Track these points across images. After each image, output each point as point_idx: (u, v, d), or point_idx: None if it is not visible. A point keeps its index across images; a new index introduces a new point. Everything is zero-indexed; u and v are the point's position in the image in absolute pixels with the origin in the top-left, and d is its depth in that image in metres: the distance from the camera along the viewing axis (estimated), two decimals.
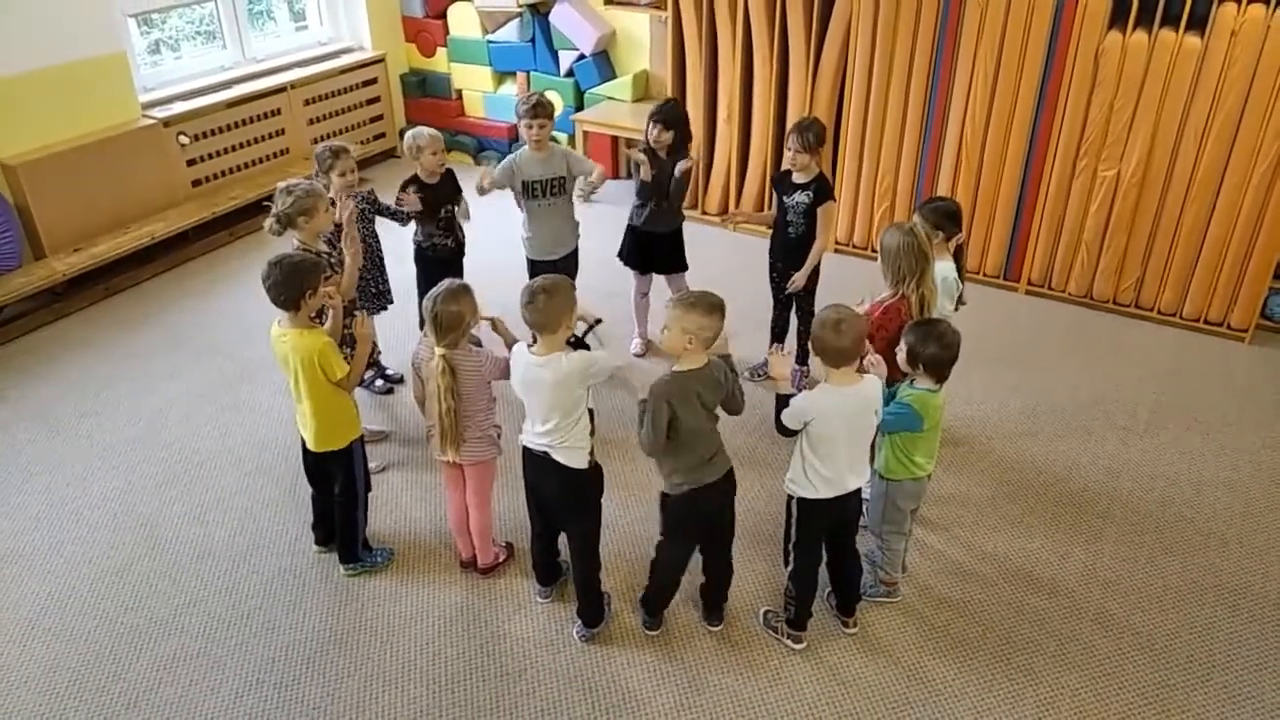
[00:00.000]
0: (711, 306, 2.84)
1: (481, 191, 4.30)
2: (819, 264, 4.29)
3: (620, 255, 4.70)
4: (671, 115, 4.34)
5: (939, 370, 3.04)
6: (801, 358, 4.56)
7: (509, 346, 3.13)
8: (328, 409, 3.23)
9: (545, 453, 3.01)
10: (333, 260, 3.68)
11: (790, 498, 3.08)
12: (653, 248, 4.60)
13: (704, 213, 6.36)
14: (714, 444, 2.98)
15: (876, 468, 3.21)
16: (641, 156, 4.36)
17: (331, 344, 3.16)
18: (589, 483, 3.10)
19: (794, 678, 3.14)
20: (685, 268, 4.68)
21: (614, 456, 4.03)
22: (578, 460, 3.02)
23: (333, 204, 3.78)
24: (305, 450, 3.39)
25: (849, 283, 4.98)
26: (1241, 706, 3.06)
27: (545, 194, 4.35)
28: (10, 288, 5.03)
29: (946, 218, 3.66)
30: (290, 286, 3.05)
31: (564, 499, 3.13)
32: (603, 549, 3.25)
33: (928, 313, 3.36)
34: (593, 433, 3.08)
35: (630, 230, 4.61)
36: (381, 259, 4.37)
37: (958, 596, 3.46)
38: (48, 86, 5.29)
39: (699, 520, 3.08)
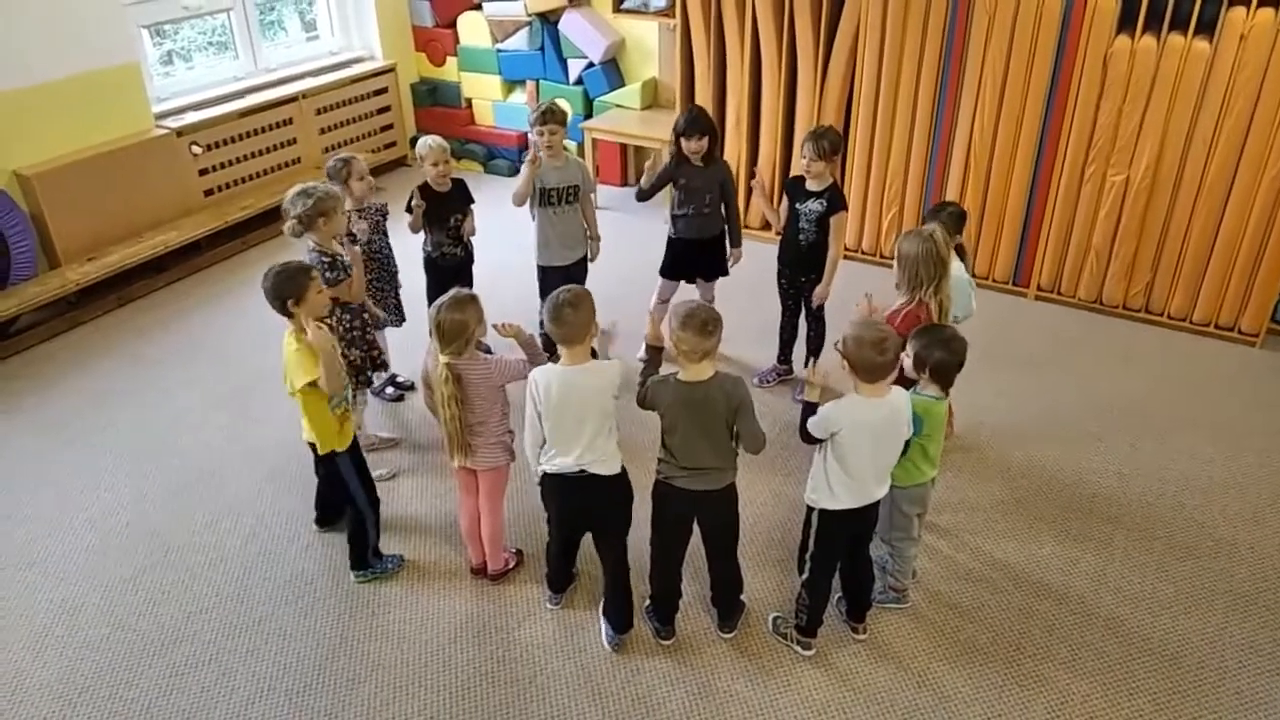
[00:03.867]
0: (703, 324, 2.79)
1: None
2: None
3: (662, 271, 4.63)
4: (709, 124, 4.29)
5: (945, 376, 3.03)
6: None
7: (532, 359, 3.13)
8: (306, 412, 3.23)
9: (581, 470, 2.98)
10: (344, 263, 3.73)
11: (810, 509, 3.05)
12: (695, 254, 4.54)
13: None
14: (709, 460, 2.93)
15: None
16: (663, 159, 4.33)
17: (304, 350, 3.12)
18: (624, 486, 3.10)
19: (804, 684, 3.13)
20: (726, 273, 4.63)
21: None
22: (613, 467, 3.02)
23: (352, 215, 3.84)
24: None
25: (856, 289, 4.96)
26: (1254, 712, 3.04)
27: (561, 201, 4.37)
28: (25, 297, 5.07)
29: (958, 220, 3.69)
30: (274, 296, 3.14)
31: (603, 509, 3.12)
32: None
33: (944, 319, 3.37)
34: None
35: (674, 242, 4.55)
36: (395, 273, 4.41)
37: (968, 602, 3.45)
38: (62, 97, 5.34)
39: (672, 514, 3.06)
